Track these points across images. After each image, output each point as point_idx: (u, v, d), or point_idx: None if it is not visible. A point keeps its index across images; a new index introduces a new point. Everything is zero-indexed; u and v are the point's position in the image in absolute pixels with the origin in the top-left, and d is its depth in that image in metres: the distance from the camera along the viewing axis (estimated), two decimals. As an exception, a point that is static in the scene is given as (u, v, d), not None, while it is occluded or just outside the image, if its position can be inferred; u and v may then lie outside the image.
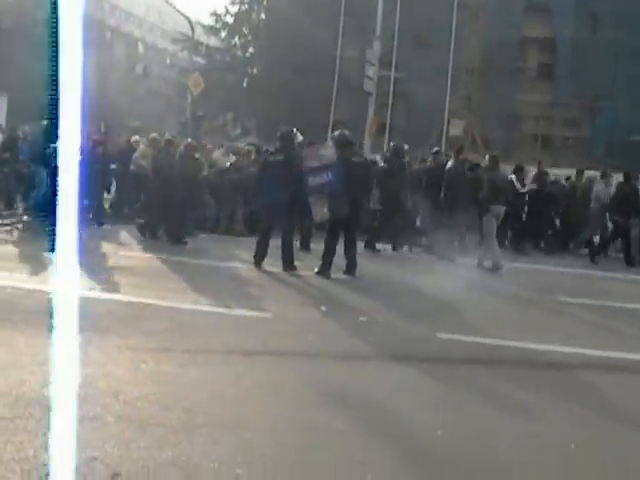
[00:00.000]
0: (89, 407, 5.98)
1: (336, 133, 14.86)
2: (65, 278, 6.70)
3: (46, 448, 5.09)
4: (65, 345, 6.96)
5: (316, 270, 13.51)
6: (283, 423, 6.18)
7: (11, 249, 14.43)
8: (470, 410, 6.82)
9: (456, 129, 38.82)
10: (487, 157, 17.35)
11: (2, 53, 39.93)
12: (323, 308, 10.52)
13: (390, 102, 38.10)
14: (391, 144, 20.41)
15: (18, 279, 11.33)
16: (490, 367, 8.46)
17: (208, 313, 10.04)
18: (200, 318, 9.77)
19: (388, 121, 37.60)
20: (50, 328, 6.25)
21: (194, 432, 5.77)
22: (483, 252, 16.36)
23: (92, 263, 12.59)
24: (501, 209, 16.12)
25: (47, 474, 4.80)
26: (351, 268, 13.68)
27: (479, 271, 15.76)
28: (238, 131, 47.91)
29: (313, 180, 13.76)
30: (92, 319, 8.42)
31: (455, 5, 38.28)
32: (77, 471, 4.81)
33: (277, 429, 6.02)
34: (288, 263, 13.77)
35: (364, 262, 14.55)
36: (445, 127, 38.20)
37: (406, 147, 19.46)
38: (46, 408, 5.76)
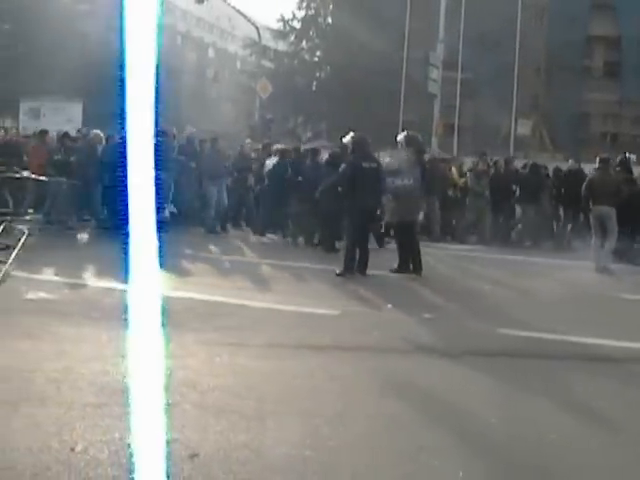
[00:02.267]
0: (169, 395, 6.33)
1: (408, 134, 14.74)
2: (144, 278, 7.15)
3: (130, 431, 5.47)
4: (145, 339, 7.42)
5: (393, 268, 13.77)
6: (350, 411, 6.49)
7: (90, 251, 14.91)
8: (526, 401, 7.05)
9: (524, 128, 38.60)
10: (597, 159, 17.25)
11: (78, 60, 40.73)
12: (389, 306, 10.76)
13: (457, 103, 37.99)
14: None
15: (98, 279, 11.84)
16: (548, 361, 8.62)
17: (279, 311, 10.39)
18: (272, 315, 10.13)
19: (456, 122, 37.50)
20: (130, 324, 6.69)
21: (266, 419, 6.14)
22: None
23: (171, 264, 13.10)
24: (600, 209, 16.19)
25: (131, 454, 5.12)
26: (418, 268, 13.89)
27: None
28: (309, 134, 48.15)
29: (393, 181, 13.88)
30: (171, 316, 8.85)
31: (520, 5, 38.02)
32: (159, 451, 5.26)
33: (344, 417, 6.34)
34: (364, 266, 13.75)
35: (432, 261, 14.82)
36: (513, 126, 37.95)
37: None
38: (129, 396, 6.21)
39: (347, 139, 14.27)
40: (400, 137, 14.69)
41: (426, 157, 19.99)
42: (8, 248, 13.04)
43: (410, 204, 13.96)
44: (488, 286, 13.43)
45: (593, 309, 11.98)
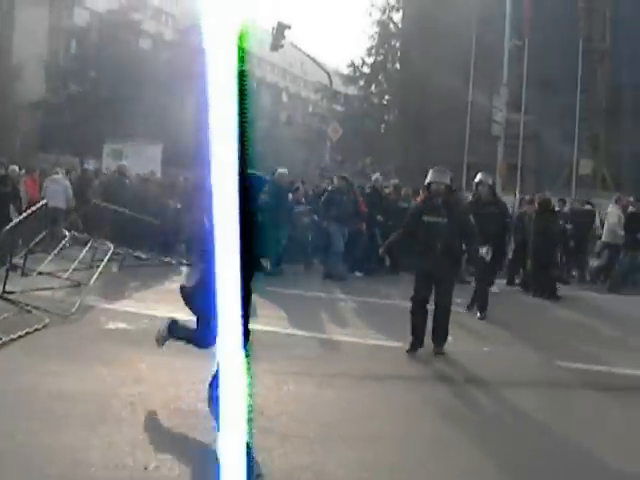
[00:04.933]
0: (236, 420, 6.73)
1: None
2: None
3: (200, 452, 5.93)
4: (215, 367, 7.80)
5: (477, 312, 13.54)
6: (407, 436, 6.82)
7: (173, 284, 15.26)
8: (579, 429, 7.28)
9: (585, 169, 38.36)
10: None
11: (157, 104, 41.82)
12: (450, 339, 10.96)
13: (520, 144, 38.04)
14: None
15: (176, 311, 12.18)
16: (601, 392, 8.76)
17: (344, 342, 10.66)
18: (337, 347, 10.43)
19: (519, 163, 37.54)
20: (203, 353, 7.08)
21: (328, 443, 6.45)
22: None
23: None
24: None
25: (200, 473, 5.58)
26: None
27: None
28: (377, 174, 48.55)
29: None
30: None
31: (580, 49, 38.12)
32: (226, 471, 5.59)
33: (402, 441, 6.68)
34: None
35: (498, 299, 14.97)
36: (574, 167, 37.82)
37: None
38: (200, 420, 6.60)
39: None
40: (483, 177, 14.18)
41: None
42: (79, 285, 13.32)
43: None
44: (559, 324, 13.60)
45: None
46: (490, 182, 14.06)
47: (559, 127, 38.23)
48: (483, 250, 12.15)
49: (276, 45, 32.22)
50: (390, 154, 46.86)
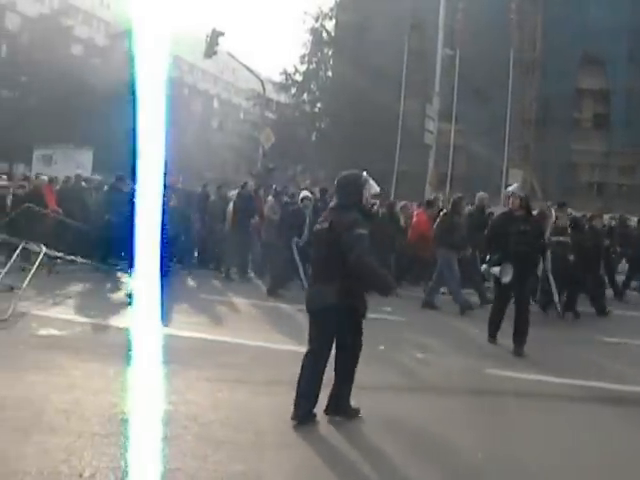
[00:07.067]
0: (172, 427, 6.77)
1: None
2: (150, 317, 7.54)
3: (135, 459, 5.88)
4: (150, 375, 7.84)
5: None
6: (344, 444, 6.88)
7: (104, 291, 15.20)
8: (508, 436, 7.45)
9: (515, 178, 38.85)
10: None
11: (89, 109, 41.49)
12: (382, 347, 10.98)
13: (451, 153, 38.45)
14: None
15: (108, 317, 12.33)
16: (526, 399, 8.98)
17: (277, 350, 10.67)
18: (270, 354, 10.46)
19: (449, 172, 37.94)
20: (137, 360, 7.08)
21: (263, 450, 6.51)
22: None
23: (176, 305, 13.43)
24: None
25: None
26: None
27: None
28: (308, 182, 48.63)
29: None
30: (175, 353, 9.19)
31: (511, 59, 38.67)
32: (160, 479, 5.62)
33: (337, 448, 6.75)
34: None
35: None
36: (504, 177, 38.24)
37: None
38: (135, 427, 6.58)
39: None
40: (516, 189, 12.78)
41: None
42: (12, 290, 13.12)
43: None
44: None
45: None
46: (523, 195, 12.54)
47: (489, 136, 38.78)
48: (497, 269, 11.93)
49: (210, 52, 32.11)
50: (321, 162, 47.07)
